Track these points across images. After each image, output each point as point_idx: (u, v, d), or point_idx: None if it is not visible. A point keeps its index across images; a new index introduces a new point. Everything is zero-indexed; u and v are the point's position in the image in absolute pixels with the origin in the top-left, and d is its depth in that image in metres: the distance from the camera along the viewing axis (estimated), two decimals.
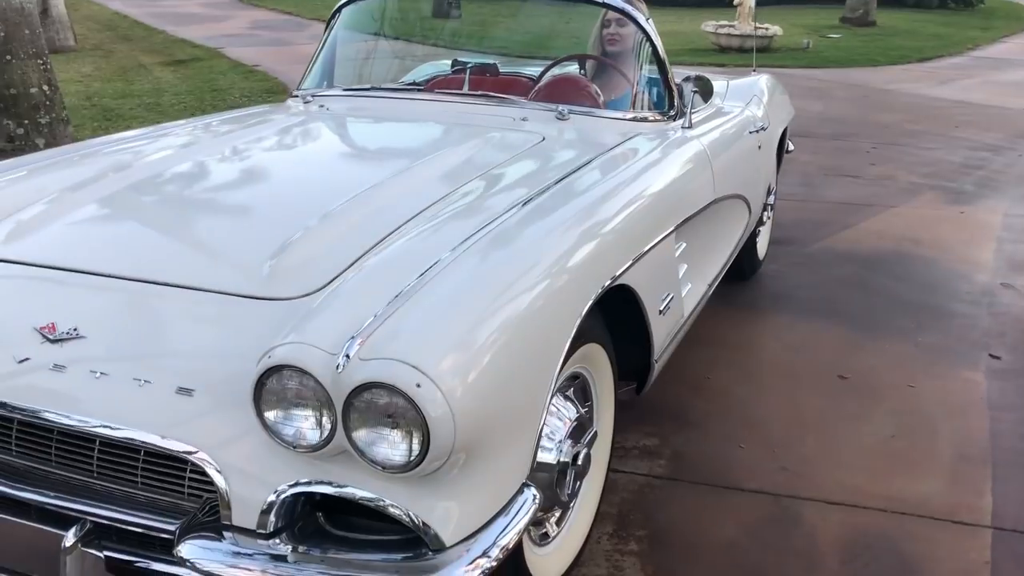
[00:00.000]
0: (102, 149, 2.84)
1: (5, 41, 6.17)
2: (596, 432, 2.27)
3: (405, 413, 1.53)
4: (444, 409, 1.51)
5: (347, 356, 1.54)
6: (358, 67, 3.67)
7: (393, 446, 1.56)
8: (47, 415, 1.78)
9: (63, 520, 1.78)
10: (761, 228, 4.49)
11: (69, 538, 1.73)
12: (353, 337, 1.57)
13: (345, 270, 1.90)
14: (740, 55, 12.86)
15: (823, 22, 18.27)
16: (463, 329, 1.66)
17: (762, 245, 4.60)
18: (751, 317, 4.17)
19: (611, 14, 3.29)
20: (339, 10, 3.59)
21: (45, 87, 6.43)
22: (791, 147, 5.08)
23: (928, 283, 4.61)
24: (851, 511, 2.67)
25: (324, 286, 1.86)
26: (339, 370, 1.54)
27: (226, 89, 9.65)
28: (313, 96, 3.38)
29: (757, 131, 3.85)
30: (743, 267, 4.31)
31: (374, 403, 1.54)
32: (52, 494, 1.82)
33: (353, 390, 1.53)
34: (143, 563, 1.75)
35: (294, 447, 1.62)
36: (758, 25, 12.33)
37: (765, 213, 4.46)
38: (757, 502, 2.71)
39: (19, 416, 1.82)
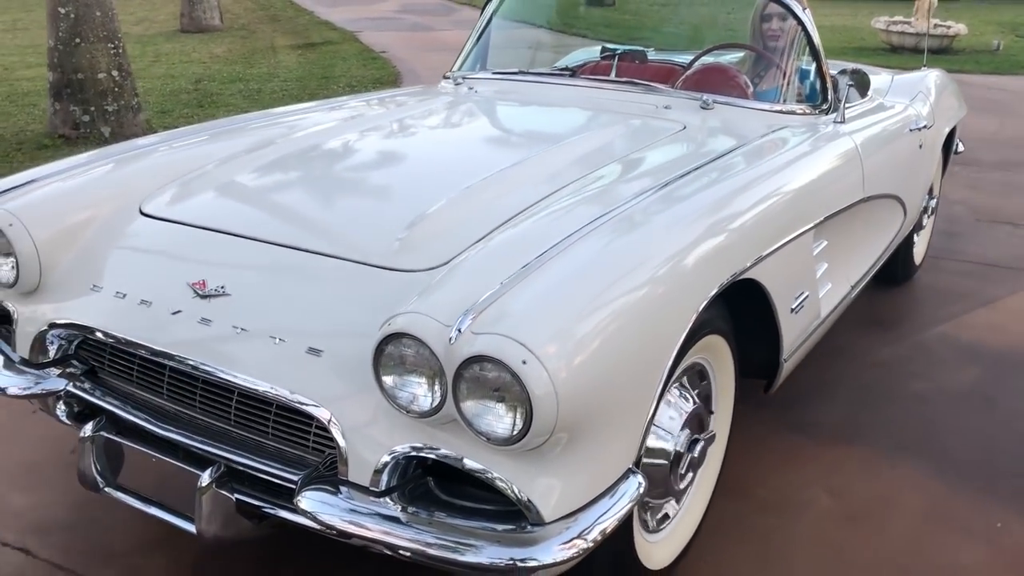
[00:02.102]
0: (263, 121, 3.03)
1: (75, 24, 5.85)
2: (715, 426, 2.25)
3: (510, 388, 1.57)
4: (548, 387, 1.55)
5: (459, 329, 1.60)
6: (510, 52, 3.74)
7: (498, 419, 1.61)
8: (192, 363, 1.94)
9: (203, 462, 1.94)
10: (919, 232, 4.27)
11: (205, 478, 1.88)
12: (467, 311, 1.63)
13: (471, 246, 1.97)
14: (913, 56, 11.45)
15: (1022, 19, 16.63)
16: (574, 312, 1.69)
17: (919, 250, 4.38)
18: (792, 458, 2.85)
19: (771, 6, 3.21)
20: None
21: (115, 72, 6.14)
22: (961, 147, 4.79)
23: None
24: None
25: (449, 260, 1.93)
26: (451, 342, 1.60)
27: (337, 77, 9.74)
28: (464, 78, 3.47)
29: (919, 129, 3.65)
30: (896, 271, 4.12)
31: (482, 376, 1.59)
32: (194, 436, 1.98)
33: (463, 362, 1.59)
34: (269, 508, 1.89)
35: (407, 411, 1.70)
36: (938, 23, 11.21)
37: (924, 216, 4.25)
38: None
39: (171, 363, 1.99)
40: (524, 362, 1.55)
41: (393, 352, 1.68)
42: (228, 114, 7.27)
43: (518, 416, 1.59)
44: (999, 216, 5.53)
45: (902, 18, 13.00)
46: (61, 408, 2.20)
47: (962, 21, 13.07)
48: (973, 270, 4.60)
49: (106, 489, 2.08)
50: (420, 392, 1.68)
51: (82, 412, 2.19)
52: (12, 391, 2.18)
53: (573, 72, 3.69)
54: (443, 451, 1.71)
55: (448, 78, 3.53)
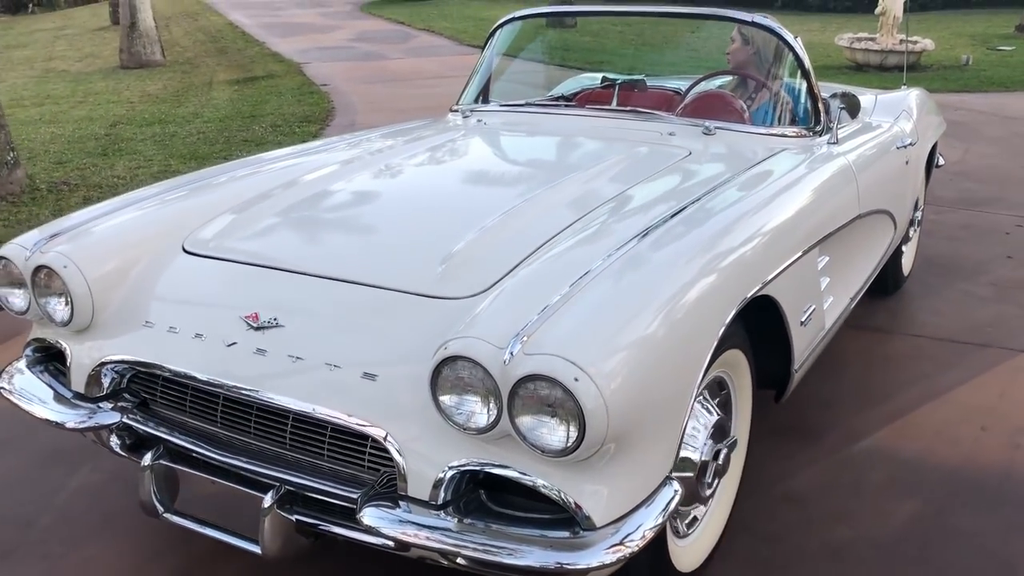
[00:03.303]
0: (280, 162, 3.14)
1: None
2: (735, 433, 2.39)
3: (564, 403, 1.71)
4: (599, 401, 1.68)
5: (512, 352, 1.73)
6: (513, 83, 3.89)
7: (552, 433, 1.74)
8: (250, 393, 2.05)
9: (257, 486, 2.05)
10: (907, 243, 4.45)
11: (267, 500, 1.99)
12: (518, 334, 1.76)
13: (506, 275, 2.10)
14: (879, 75, 10.68)
15: (996, 30, 15.87)
16: (615, 331, 1.83)
17: (907, 261, 4.56)
18: None
19: (762, 33, 3.38)
20: (498, 29, 3.82)
21: None
22: (941, 161, 5.00)
23: None
24: None
25: (487, 288, 2.06)
26: (506, 363, 1.73)
27: (265, 115, 9.19)
28: (472, 111, 3.62)
29: (905, 146, 3.84)
30: (887, 282, 4.29)
31: (536, 393, 1.73)
32: (252, 461, 2.09)
33: (518, 381, 1.72)
34: (328, 527, 2.00)
35: (464, 429, 1.82)
36: (904, 38, 10.29)
37: (911, 228, 4.43)
38: None
39: (224, 392, 2.11)
40: (576, 379, 1.68)
41: (449, 374, 1.81)
42: (131, 165, 7.00)
43: (571, 429, 1.72)
44: (955, 271, 4.74)
45: (867, 34, 12.23)
46: (115, 440, 2.30)
47: (931, 35, 12.67)
48: (922, 348, 3.81)
49: (165, 515, 2.19)
50: (476, 410, 1.81)
51: (135, 444, 2.29)
52: (69, 425, 2.28)
53: (572, 100, 3.86)
54: (498, 465, 1.84)
55: (456, 111, 3.68)
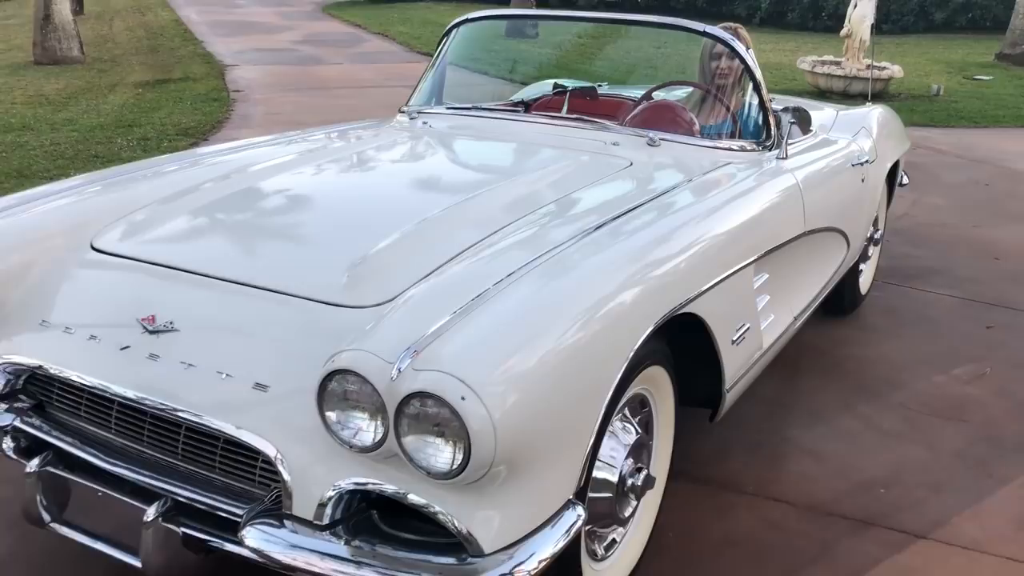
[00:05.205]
0: (212, 157, 3.06)
1: None
2: (654, 453, 2.31)
3: (450, 423, 1.62)
4: (486, 423, 1.60)
5: (400, 367, 1.64)
6: (464, 86, 3.81)
7: (438, 453, 1.66)
8: (141, 399, 1.96)
9: (151, 497, 1.96)
10: (865, 261, 4.39)
11: (151, 513, 1.90)
12: (408, 349, 1.68)
13: (415, 284, 2.02)
14: (844, 102, 8.60)
15: (975, 58, 14.67)
16: (512, 349, 1.74)
17: (865, 279, 4.49)
18: None
19: (718, 47, 3.31)
20: (452, 29, 3.73)
21: None
22: (905, 180, 4.94)
23: None
24: None
25: (394, 297, 1.97)
26: (393, 378, 1.64)
27: (142, 125, 8.34)
28: (419, 112, 3.53)
29: (862, 164, 3.78)
30: (843, 301, 4.23)
31: (423, 412, 1.64)
32: (142, 471, 2.00)
33: (404, 398, 1.64)
34: (216, 542, 1.91)
35: (350, 446, 1.74)
36: (871, 63, 9.53)
37: (870, 247, 4.37)
38: None
39: (118, 398, 2.01)
40: (463, 398, 1.60)
41: (336, 388, 1.72)
42: None
43: (458, 451, 1.64)
44: (860, 381, 3.60)
45: (831, 57, 11.27)
46: (8, 443, 2.20)
47: (905, 60, 11.92)
48: (779, 524, 2.70)
49: (52, 524, 2.09)
50: (362, 427, 1.73)
51: (29, 447, 2.19)
52: None
53: (528, 106, 3.78)
54: (386, 485, 1.75)
55: (404, 112, 3.59)
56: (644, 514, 2.38)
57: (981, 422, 3.35)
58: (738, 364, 2.61)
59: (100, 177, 2.82)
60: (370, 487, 1.76)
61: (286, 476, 1.80)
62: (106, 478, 2.03)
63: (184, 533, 1.92)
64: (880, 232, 4.54)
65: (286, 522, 1.80)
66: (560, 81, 3.80)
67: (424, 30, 16.48)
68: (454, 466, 1.64)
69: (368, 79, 11.61)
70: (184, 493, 1.94)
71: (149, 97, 9.98)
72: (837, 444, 3.16)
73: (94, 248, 2.36)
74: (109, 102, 9.60)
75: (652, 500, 2.42)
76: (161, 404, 1.93)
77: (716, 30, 3.24)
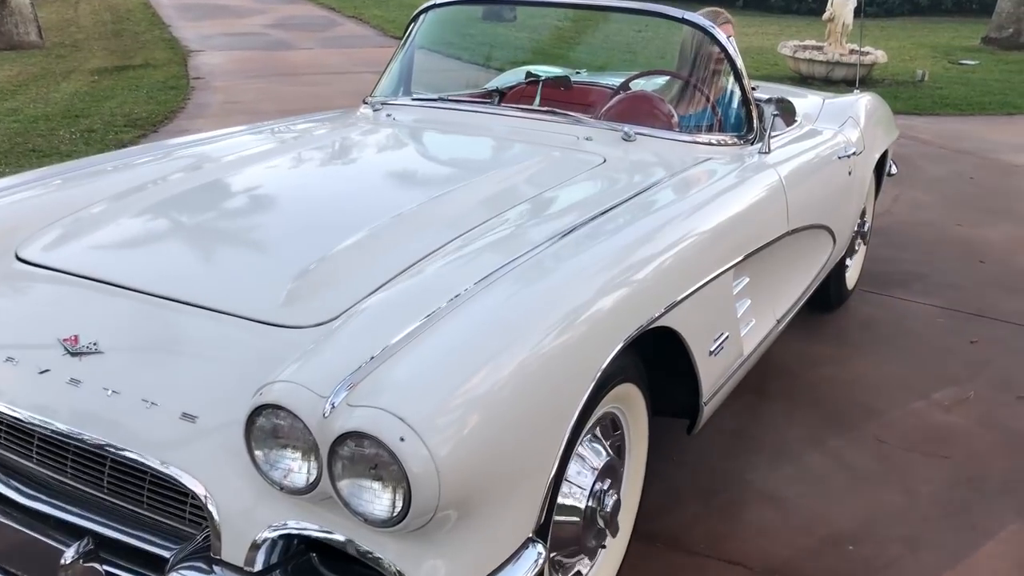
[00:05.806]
0: (157, 156, 2.86)
1: None
2: (625, 476, 2.15)
3: (388, 466, 1.45)
4: (428, 466, 1.43)
5: (334, 403, 1.47)
6: (431, 75, 3.62)
7: (375, 499, 1.49)
8: (59, 428, 1.78)
9: (76, 532, 1.79)
10: (852, 256, 4.24)
11: (68, 555, 1.73)
12: (344, 381, 1.51)
13: (364, 299, 1.84)
14: (827, 88, 8.74)
15: (960, 42, 14.44)
16: (461, 380, 1.56)
17: (852, 274, 4.34)
18: None
19: (698, 34, 3.13)
20: (420, 14, 3.53)
21: None
22: (894, 170, 4.78)
23: None
24: None
25: (339, 315, 1.80)
26: (326, 415, 1.48)
27: (89, 116, 7.89)
28: (383, 104, 3.34)
29: (848, 156, 3.61)
30: (829, 297, 4.07)
31: (358, 453, 1.47)
32: (63, 507, 1.83)
33: (338, 437, 1.47)
34: None
35: (281, 488, 1.57)
36: (854, 49, 9.17)
37: (857, 241, 4.21)
38: None
39: (37, 428, 1.84)
40: (402, 439, 1.43)
41: (265, 424, 1.55)
42: None
43: (397, 496, 1.47)
44: (832, 409, 3.31)
45: (813, 42, 10.94)
46: None
47: (890, 44, 11.62)
48: None
49: None
50: (294, 468, 1.56)
51: None
52: None
53: (501, 96, 3.60)
54: (322, 530, 1.59)
55: (368, 103, 3.40)
56: (616, 540, 2.22)
57: (963, 458, 3.03)
58: (716, 375, 2.45)
59: (35, 177, 2.62)
60: (304, 533, 1.59)
61: (215, 516, 1.63)
62: (29, 513, 1.86)
63: (107, 572, 1.75)
64: (868, 224, 4.39)
65: (215, 568, 1.63)
66: (534, 69, 3.61)
67: (399, 13, 15.90)
68: (394, 513, 1.48)
69: (336, 65, 11.25)
70: (108, 532, 1.77)
71: (104, 85, 9.54)
72: (803, 488, 2.82)
73: (18, 258, 2.18)
74: (60, 90, 9.18)
75: (625, 524, 2.25)
76: (78, 435, 1.75)
77: (696, 17, 3.06)
